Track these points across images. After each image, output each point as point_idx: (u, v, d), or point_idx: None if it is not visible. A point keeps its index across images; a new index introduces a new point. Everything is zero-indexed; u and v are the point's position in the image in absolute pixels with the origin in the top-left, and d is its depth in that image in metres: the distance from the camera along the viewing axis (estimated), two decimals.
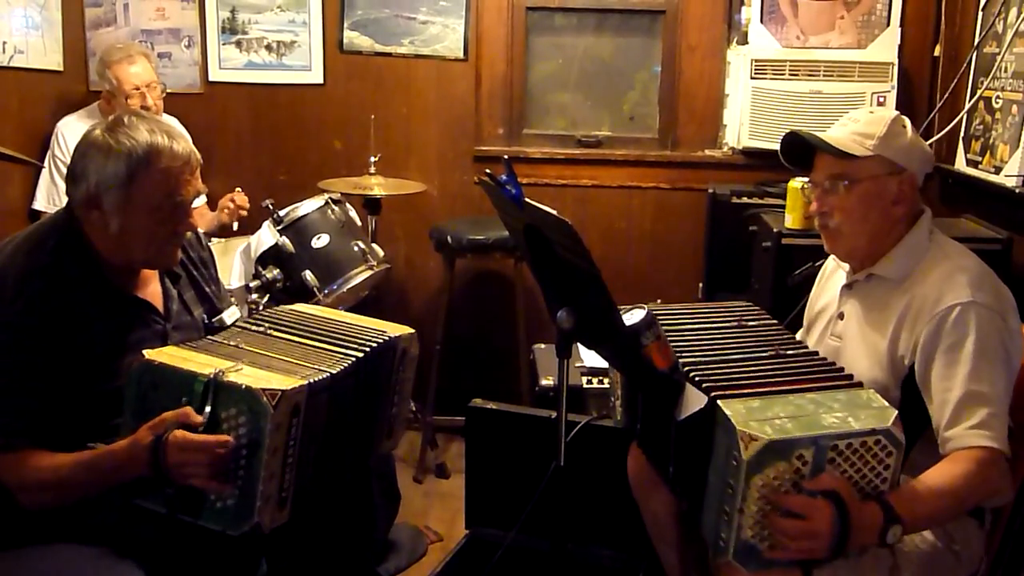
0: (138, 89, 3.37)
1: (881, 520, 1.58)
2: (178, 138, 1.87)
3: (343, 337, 1.96)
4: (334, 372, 1.82)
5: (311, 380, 1.75)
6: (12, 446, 1.76)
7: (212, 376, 1.68)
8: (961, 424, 1.71)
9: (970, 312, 1.75)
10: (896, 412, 1.61)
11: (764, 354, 1.83)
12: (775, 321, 2.02)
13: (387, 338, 1.98)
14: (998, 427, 1.70)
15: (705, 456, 1.64)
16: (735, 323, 1.96)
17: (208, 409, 1.67)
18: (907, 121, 1.95)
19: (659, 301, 2.11)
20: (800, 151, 1.98)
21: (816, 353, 1.89)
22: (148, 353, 1.76)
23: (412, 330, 2.12)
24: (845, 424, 1.57)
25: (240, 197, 3.47)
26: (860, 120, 1.92)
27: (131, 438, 1.69)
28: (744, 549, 1.57)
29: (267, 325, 1.99)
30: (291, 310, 2.13)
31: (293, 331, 1.99)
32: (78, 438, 1.77)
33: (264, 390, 1.64)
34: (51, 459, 1.76)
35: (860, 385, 1.74)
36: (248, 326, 1.98)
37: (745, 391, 1.66)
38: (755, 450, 1.51)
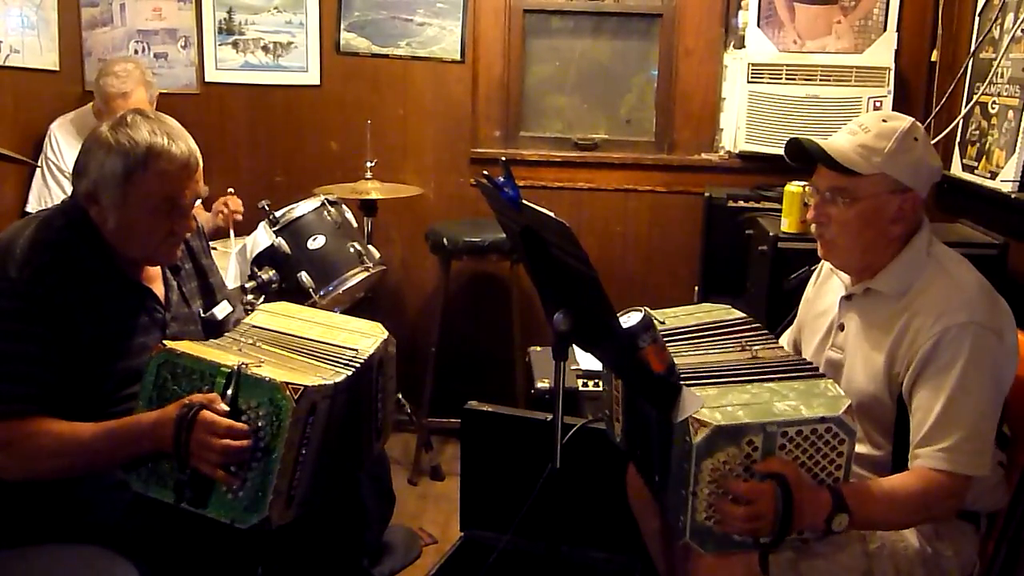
0: None
1: (829, 506, 1.63)
2: (179, 140, 1.88)
3: (323, 358, 1.94)
4: (337, 381, 1.83)
5: (326, 381, 1.77)
6: (16, 412, 1.76)
7: (237, 367, 1.71)
8: (932, 445, 1.72)
9: (966, 333, 1.73)
10: (849, 402, 1.65)
11: (742, 357, 1.86)
12: (765, 331, 2.02)
13: (363, 360, 1.96)
14: (969, 451, 1.71)
15: (669, 443, 1.68)
16: (739, 348, 1.94)
17: (229, 399, 1.70)
18: (920, 132, 1.86)
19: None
20: (806, 152, 1.90)
21: (797, 356, 1.90)
22: (167, 343, 1.78)
23: (385, 333, 2.11)
24: (796, 412, 1.63)
25: (233, 201, 3.43)
26: (871, 130, 1.83)
27: (160, 412, 1.71)
28: (699, 530, 1.64)
29: (254, 339, 1.98)
30: (257, 326, 2.07)
31: (280, 347, 1.96)
32: (77, 416, 1.78)
33: (287, 384, 1.68)
34: (69, 425, 1.77)
35: (822, 376, 1.76)
36: (237, 338, 1.97)
37: (706, 381, 1.72)
38: (704, 435, 1.58)
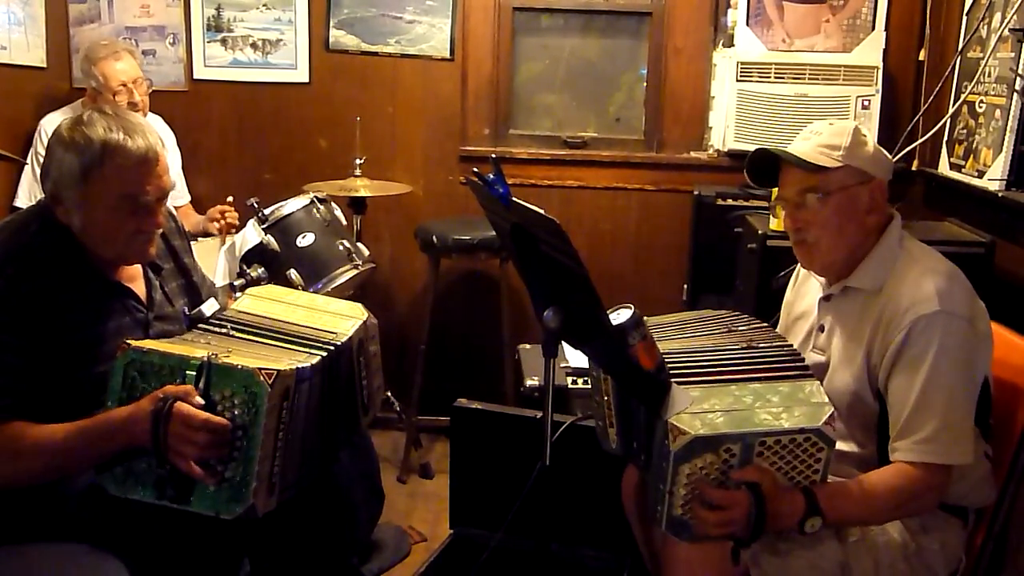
0: (124, 85, 3.33)
1: (802, 510, 1.67)
2: (136, 135, 1.83)
3: (301, 341, 1.94)
4: (313, 364, 1.82)
5: (299, 365, 1.76)
6: None
7: (207, 358, 1.69)
8: (908, 437, 1.75)
9: (937, 322, 1.75)
10: (832, 411, 1.67)
11: (737, 346, 1.87)
12: (762, 323, 2.03)
13: (338, 343, 1.96)
14: (946, 441, 1.73)
15: (652, 436, 1.71)
16: (724, 329, 1.97)
17: (202, 390, 1.67)
18: (866, 130, 1.96)
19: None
20: (764, 167, 1.97)
21: (790, 345, 1.92)
22: (132, 342, 1.75)
23: (365, 313, 2.13)
24: (776, 421, 1.65)
25: (231, 215, 3.41)
26: (823, 132, 1.91)
27: (133, 406, 1.69)
28: (675, 523, 1.68)
29: (229, 326, 1.97)
30: (236, 313, 2.08)
31: (253, 333, 1.96)
32: (58, 422, 1.75)
33: (260, 369, 1.67)
34: (44, 427, 1.74)
35: (809, 376, 1.77)
36: (209, 328, 1.96)
37: (693, 379, 1.73)
38: (682, 443, 1.61)
